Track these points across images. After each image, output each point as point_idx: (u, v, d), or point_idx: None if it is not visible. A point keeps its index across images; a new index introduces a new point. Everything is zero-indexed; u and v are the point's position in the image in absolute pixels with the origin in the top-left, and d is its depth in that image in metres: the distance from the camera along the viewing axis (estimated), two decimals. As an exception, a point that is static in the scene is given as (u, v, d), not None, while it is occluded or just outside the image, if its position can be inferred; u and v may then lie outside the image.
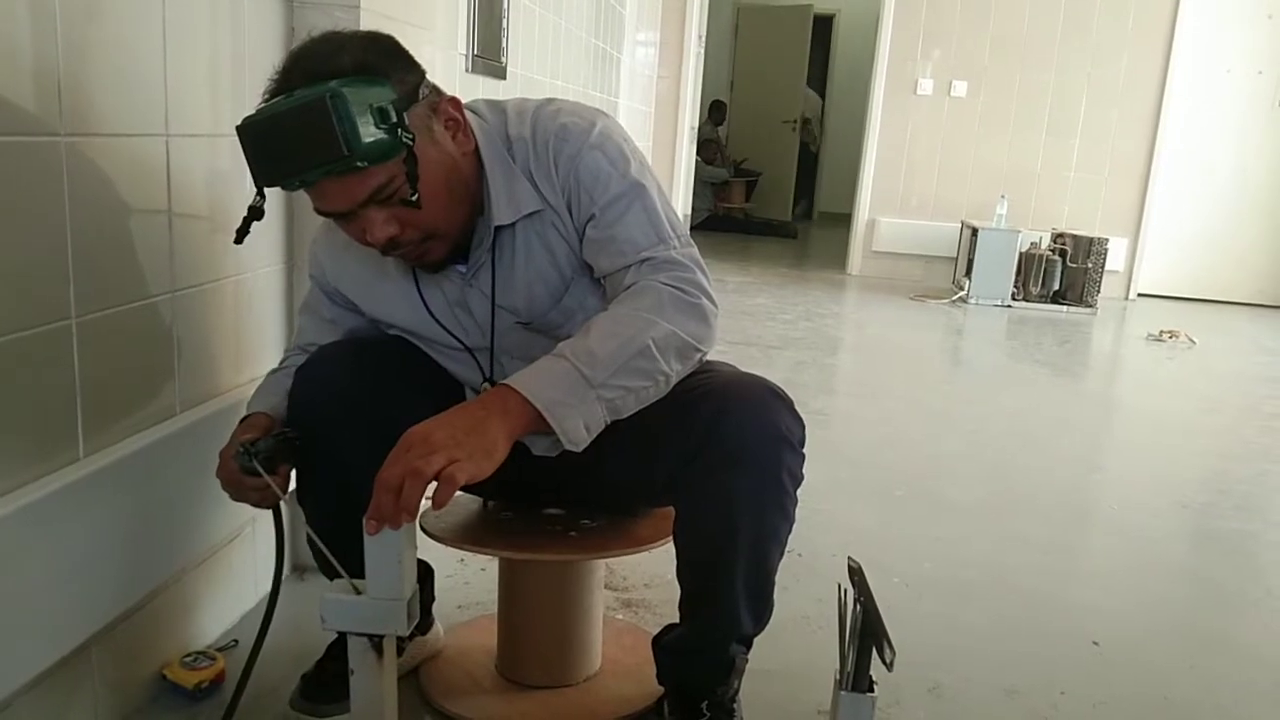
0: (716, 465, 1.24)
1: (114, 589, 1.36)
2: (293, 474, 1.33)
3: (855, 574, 1.15)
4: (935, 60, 6.21)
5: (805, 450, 1.27)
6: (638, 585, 1.97)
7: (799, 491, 1.28)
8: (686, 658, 1.39)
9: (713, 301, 1.23)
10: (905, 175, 6.38)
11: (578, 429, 1.11)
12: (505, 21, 2.84)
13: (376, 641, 1.09)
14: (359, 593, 1.08)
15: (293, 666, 1.56)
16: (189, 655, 1.52)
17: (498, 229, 1.29)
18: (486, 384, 1.39)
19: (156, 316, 1.45)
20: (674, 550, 1.36)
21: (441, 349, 1.41)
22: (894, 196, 6.42)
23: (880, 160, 6.41)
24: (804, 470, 1.27)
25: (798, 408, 1.27)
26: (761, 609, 1.33)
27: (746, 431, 1.23)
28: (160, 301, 1.46)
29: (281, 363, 1.46)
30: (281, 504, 1.28)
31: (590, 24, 4.08)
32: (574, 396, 1.10)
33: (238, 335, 1.68)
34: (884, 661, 1.04)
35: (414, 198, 1.17)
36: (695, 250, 1.28)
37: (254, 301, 1.73)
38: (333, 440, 1.32)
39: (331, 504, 1.35)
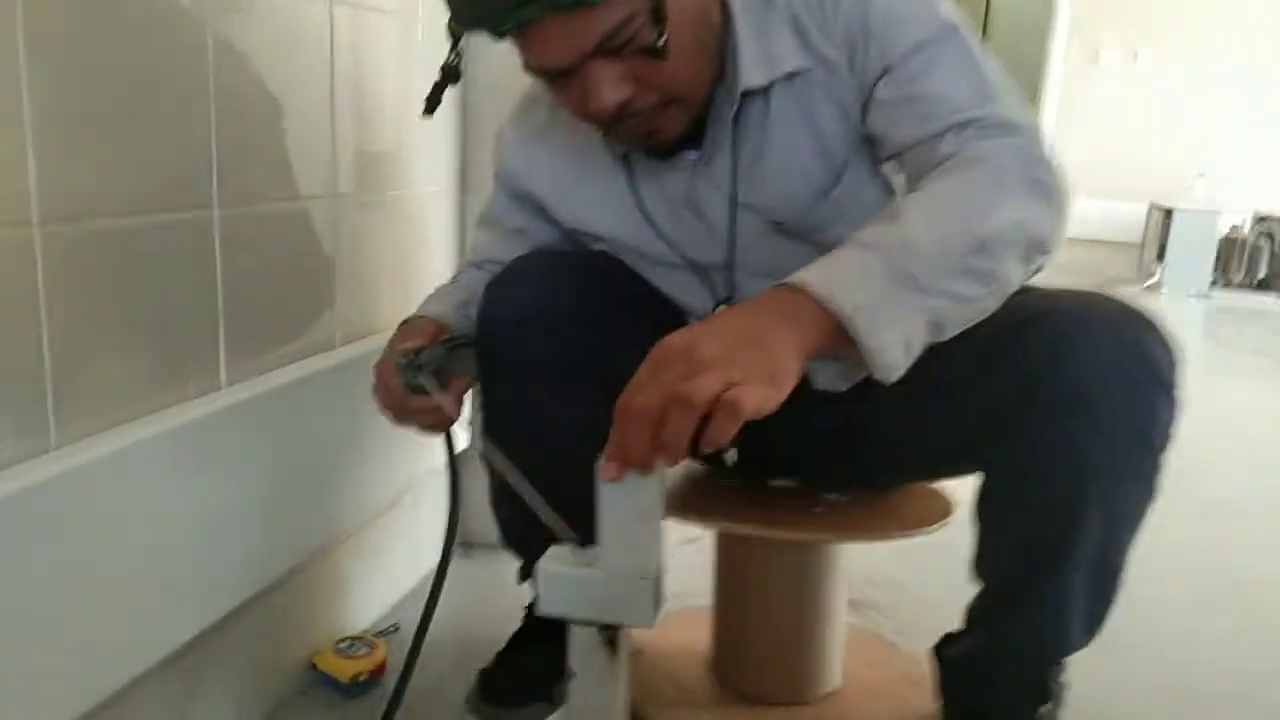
0: (1056, 416, 0.89)
1: (256, 556, 1.09)
2: (468, 395, 1.05)
3: None
4: (1120, 24, 5.66)
5: (1179, 394, 0.91)
6: (859, 583, 1.63)
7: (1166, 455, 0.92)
8: (987, 677, 1.04)
9: (1063, 184, 0.89)
10: (1084, 152, 5.84)
11: (894, 349, 0.78)
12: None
13: (610, 635, 0.79)
14: (588, 566, 0.78)
15: (459, 659, 1.29)
16: (343, 641, 1.26)
17: (744, 96, 0.97)
18: (723, 306, 1.07)
19: (311, 224, 1.19)
20: (975, 533, 1.02)
21: (661, 267, 1.10)
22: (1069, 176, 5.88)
23: (1055, 137, 5.88)
24: (1179, 421, 0.91)
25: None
26: (1100, 615, 0.98)
27: (1103, 368, 0.88)
28: (316, 204, 1.19)
29: (453, 279, 1.18)
30: (456, 428, 1.01)
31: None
32: (891, 302, 0.77)
33: (403, 261, 1.41)
34: None
35: (659, 43, 0.87)
36: (1032, 115, 0.93)
37: (421, 225, 1.46)
38: (532, 376, 1.03)
39: (522, 458, 1.06)
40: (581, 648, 0.79)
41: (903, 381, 1.04)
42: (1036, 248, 0.85)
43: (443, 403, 0.95)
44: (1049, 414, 0.90)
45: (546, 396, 1.03)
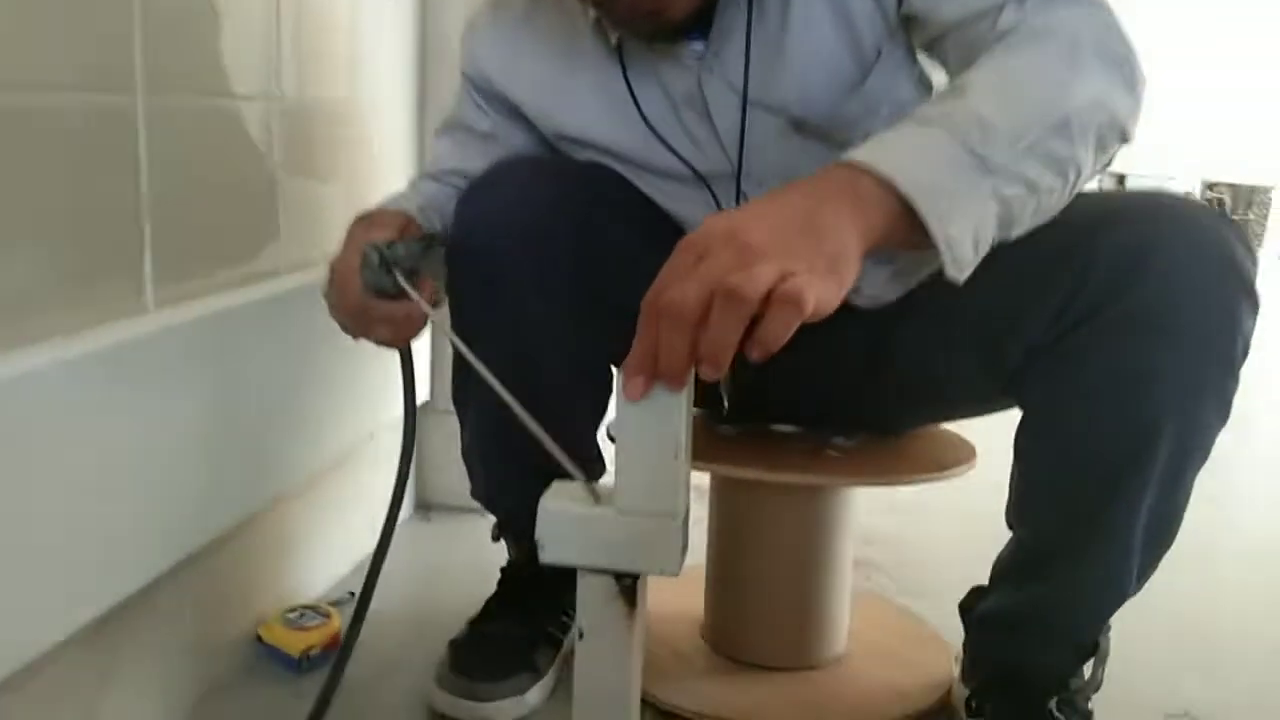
0: (1131, 331, 0.78)
1: (188, 513, 0.94)
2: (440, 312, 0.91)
3: None
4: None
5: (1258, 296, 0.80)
6: (855, 542, 1.52)
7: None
8: (1028, 634, 0.93)
9: (1140, 61, 0.77)
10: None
11: (965, 241, 0.65)
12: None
13: (628, 585, 0.65)
14: (600, 504, 0.64)
15: (419, 630, 1.15)
16: (293, 610, 1.11)
17: None
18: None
19: (248, 127, 1.03)
20: (1018, 475, 0.91)
21: (658, 177, 0.96)
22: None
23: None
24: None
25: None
26: (1157, 557, 0.87)
27: (1189, 274, 0.77)
28: (254, 106, 1.03)
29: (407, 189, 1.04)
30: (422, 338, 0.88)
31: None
32: (962, 184, 0.65)
33: (354, 181, 1.25)
34: None
35: None
36: None
37: (375, 142, 1.30)
38: (517, 290, 0.89)
39: (508, 386, 0.93)
40: (593, 602, 0.66)
41: (939, 295, 0.92)
42: (1117, 133, 0.73)
43: (421, 304, 0.80)
44: (1122, 328, 0.78)
45: (533, 312, 0.89)
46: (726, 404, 1.00)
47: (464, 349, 0.75)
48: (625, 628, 0.66)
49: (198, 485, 0.93)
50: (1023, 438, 0.89)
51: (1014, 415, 0.90)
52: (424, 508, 1.47)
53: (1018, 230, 0.70)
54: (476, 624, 1.07)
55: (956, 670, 1.09)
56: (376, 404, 1.26)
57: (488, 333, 0.91)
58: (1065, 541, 0.87)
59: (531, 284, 0.88)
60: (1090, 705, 0.93)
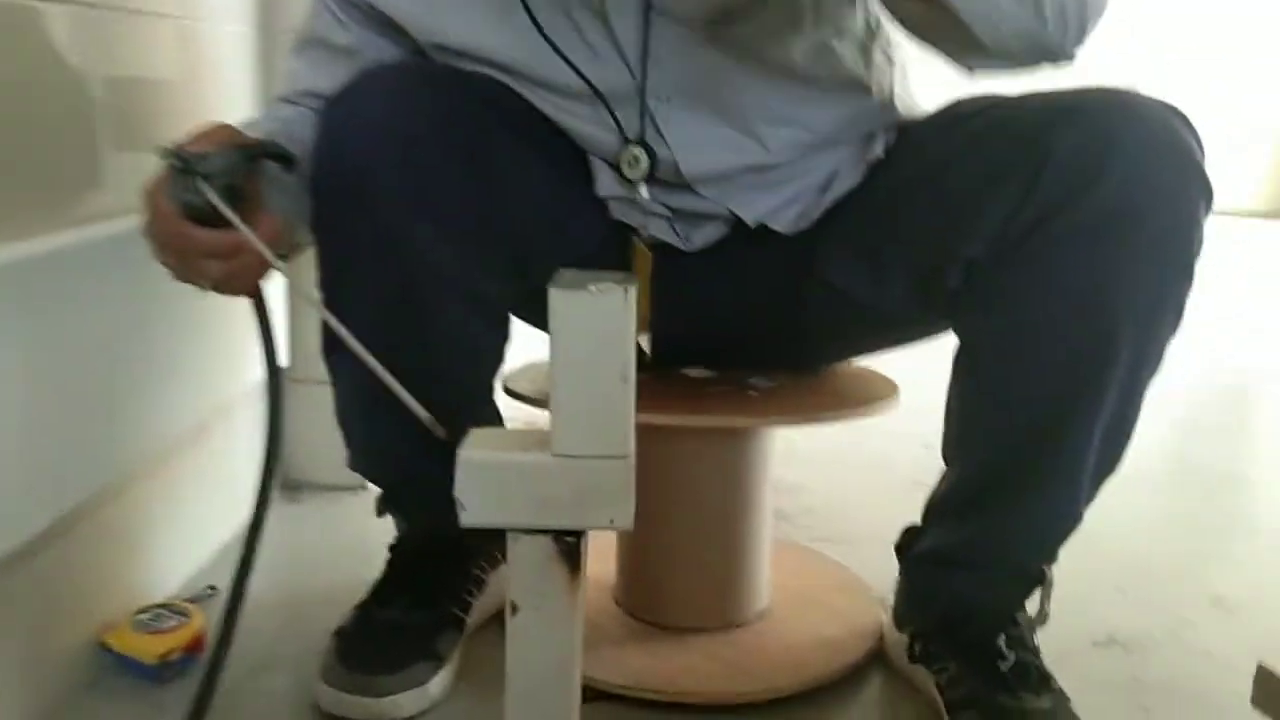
0: (1089, 235, 0.72)
1: (9, 500, 0.78)
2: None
3: None
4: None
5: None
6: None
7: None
8: (973, 571, 0.87)
9: None
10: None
11: None
12: None
13: (568, 546, 0.55)
14: (531, 449, 0.53)
15: (293, 622, 1.02)
16: (145, 611, 0.95)
17: None
18: (634, 148, 0.84)
19: (58, 36, 0.86)
20: (957, 406, 0.85)
21: (554, 94, 0.85)
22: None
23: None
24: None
25: None
26: (1107, 475, 0.82)
27: (1141, 176, 0.71)
28: (62, 8, 0.87)
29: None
30: (273, 286, 0.74)
31: None
32: None
33: (193, 113, 1.09)
34: None
35: None
36: None
37: (215, 69, 1.14)
38: (393, 218, 0.77)
39: (388, 328, 0.81)
40: (528, 568, 0.55)
41: (866, 213, 0.85)
42: (1076, 25, 0.67)
43: (245, 233, 0.66)
44: (1077, 237, 0.72)
45: (415, 240, 0.77)
46: (648, 350, 0.90)
47: (314, 301, 0.62)
48: (567, 597, 0.56)
49: (14, 472, 0.77)
50: (962, 366, 0.83)
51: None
52: (290, 487, 1.32)
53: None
54: (365, 610, 0.94)
55: (886, 617, 1.03)
56: (231, 369, 1.11)
57: (362, 268, 0.78)
58: (1014, 471, 0.81)
59: (411, 206, 0.76)
60: (1037, 643, 0.89)
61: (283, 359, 1.16)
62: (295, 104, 0.88)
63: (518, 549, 0.54)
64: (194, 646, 0.94)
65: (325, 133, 0.75)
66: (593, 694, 0.92)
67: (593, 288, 0.50)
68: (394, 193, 0.76)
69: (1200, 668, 1.03)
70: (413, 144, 0.75)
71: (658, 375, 0.99)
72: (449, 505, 0.94)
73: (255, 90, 1.24)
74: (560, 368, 0.51)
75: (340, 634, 0.92)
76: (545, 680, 0.57)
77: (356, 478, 1.32)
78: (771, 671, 0.95)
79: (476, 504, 0.53)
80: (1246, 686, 0.75)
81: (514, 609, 0.56)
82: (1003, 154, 0.75)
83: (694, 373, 1.02)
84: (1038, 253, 0.74)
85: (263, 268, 0.71)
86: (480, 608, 0.99)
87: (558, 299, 0.50)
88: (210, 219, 0.67)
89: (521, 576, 0.55)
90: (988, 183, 0.75)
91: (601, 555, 1.08)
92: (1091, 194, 0.71)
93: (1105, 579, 1.20)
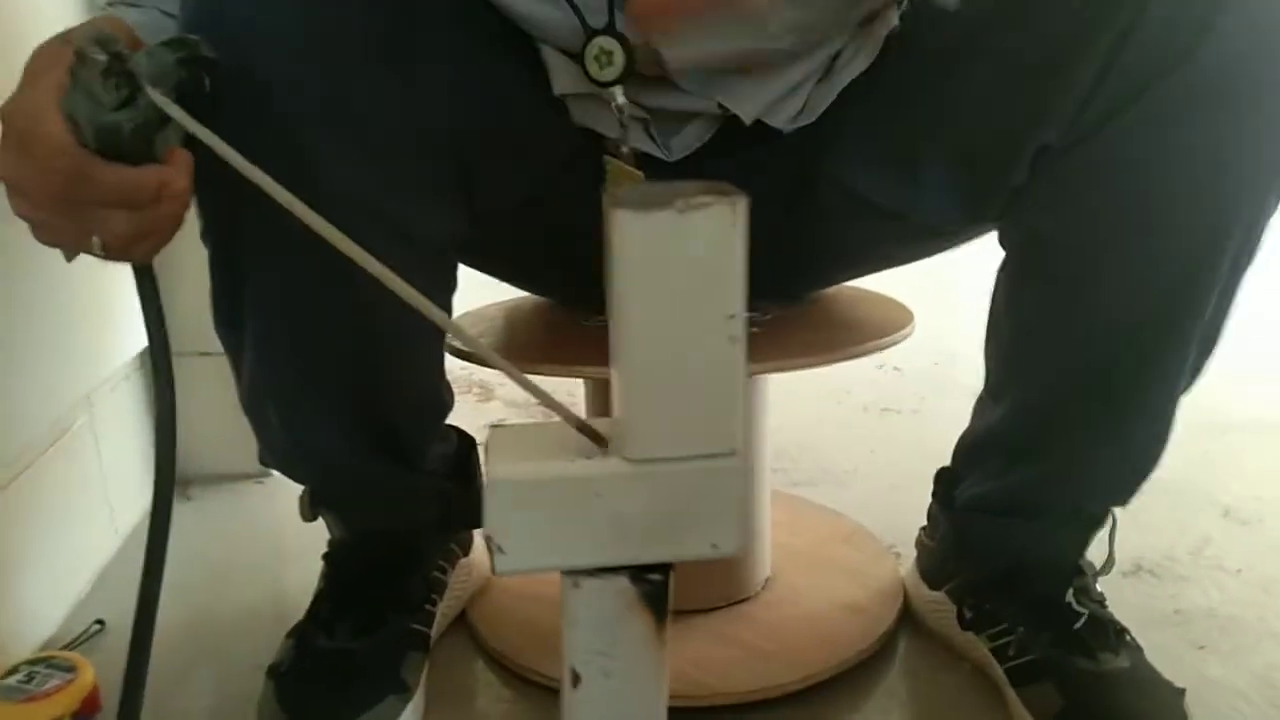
0: (1185, 108, 0.58)
1: None
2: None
3: None
4: None
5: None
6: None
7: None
8: (1036, 519, 0.74)
9: None
10: None
11: None
12: None
13: (655, 584, 0.38)
14: (590, 454, 0.37)
15: (205, 656, 0.84)
16: (14, 672, 0.74)
17: None
18: (603, 40, 0.66)
19: None
20: (1006, 329, 0.72)
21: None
22: None
23: None
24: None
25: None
26: (1186, 391, 0.70)
27: (1252, 32, 0.57)
28: None
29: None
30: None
31: None
32: None
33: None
34: None
35: None
36: None
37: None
38: (299, 138, 0.57)
39: (297, 286, 0.62)
40: (596, 623, 0.38)
41: (888, 98, 0.69)
42: None
43: (175, 165, 0.47)
44: (1180, 107, 0.59)
45: (326, 164, 0.58)
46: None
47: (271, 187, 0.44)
48: (650, 656, 0.39)
49: None
50: (1022, 275, 0.69)
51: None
52: (180, 483, 1.11)
53: None
54: (304, 638, 0.75)
55: (903, 571, 0.91)
56: (92, 356, 0.88)
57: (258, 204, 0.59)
58: (1099, 396, 0.67)
59: (319, 115, 0.57)
60: (1102, 593, 0.77)
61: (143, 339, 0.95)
62: (137, 5, 0.66)
63: (580, 598, 0.38)
64: (88, 708, 0.74)
65: (203, 25, 0.54)
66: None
67: (680, 204, 0.33)
68: (295, 99, 0.56)
69: (1237, 590, 0.94)
70: (319, 34, 0.56)
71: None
72: (401, 504, 0.77)
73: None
74: (633, 328, 0.34)
75: (277, 672, 0.73)
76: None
77: (256, 464, 1.13)
78: (800, 651, 0.81)
79: (521, 542, 0.36)
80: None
81: (575, 679, 0.39)
82: (1077, 15, 0.60)
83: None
84: (1130, 131, 0.60)
85: (183, 208, 0.51)
86: (443, 615, 0.82)
87: (629, 224, 0.33)
88: (127, 151, 0.47)
89: (586, 634, 0.38)
90: (1061, 48, 0.60)
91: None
92: (1197, 56, 0.57)
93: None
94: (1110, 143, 0.60)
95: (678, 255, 0.33)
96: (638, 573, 0.38)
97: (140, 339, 0.97)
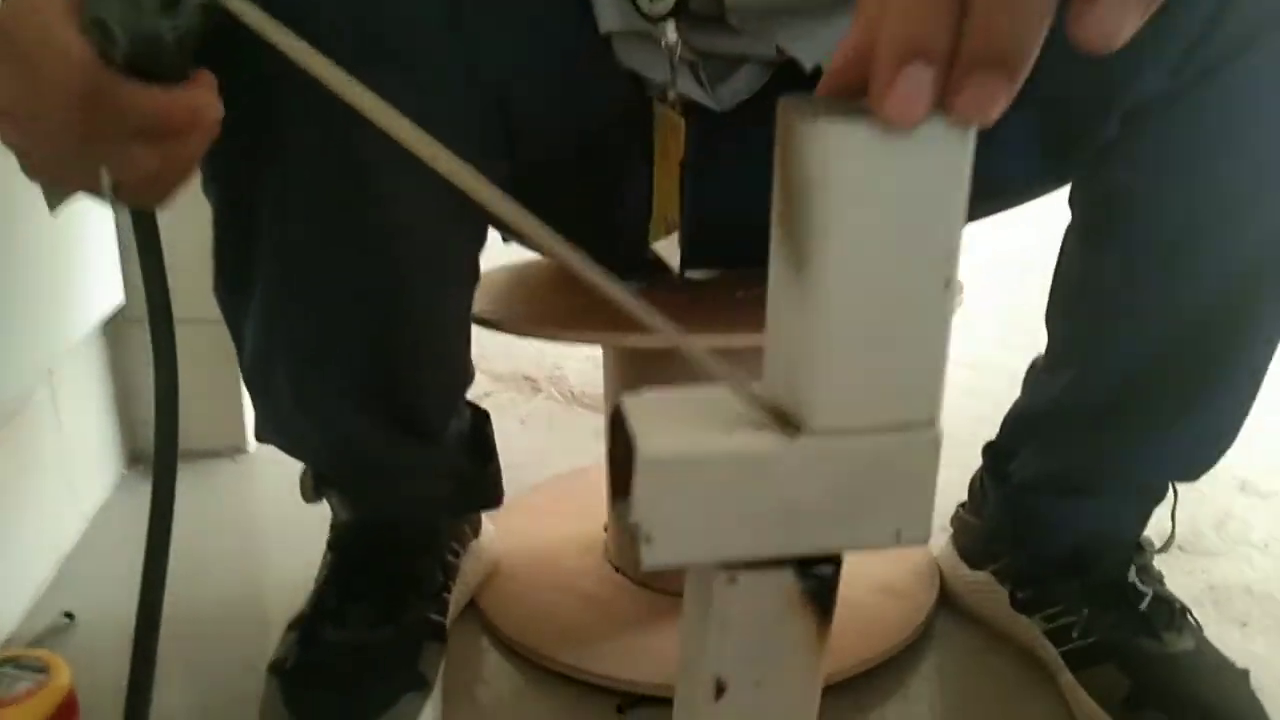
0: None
1: None
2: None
3: None
4: None
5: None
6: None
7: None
8: (1101, 497, 0.70)
9: None
10: None
11: None
12: None
13: (823, 578, 0.32)
14: (761, 425, 0.30)
15: (195, 651, 0.75)
16: (-20, 676, 0.66)
17: None
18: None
19: None
20: (1073, 279, 0.67)
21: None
22: None
23: None
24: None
25: None
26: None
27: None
28: None
29: None
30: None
31: None
32: None
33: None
34: None
35: None
36: None
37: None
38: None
39: (322, 240, 0.55)
40: (751, 623, 0.33)
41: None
42: None
43: (204, 88, 0.40)
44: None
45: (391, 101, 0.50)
46: (680, 248, 0.66)
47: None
48: (808, 662, 0.33)
49: None
50: (1105, 244, 0.64)
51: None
52: (142, 460, 1.02)
53: None
54: (309, 630, 0.68)
55: (938, 549, 0.87)
56: (52, 322, 0.79)
57: (286, 160, 0.52)
58: (1186, 366, 0.63)
59: (359, 59, 0.50)
60: (1162, 574, 0.74)
61: (116, 297, 0.87)
62: None
63: (734, 595, 0.32)
64: (64, 714, 0.65)
65: None
66: (630, 701, 0.71)
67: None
68: (332, 37, 0.49)
69: (1267, 566, 0.92)
70: None
71: (653, 285, 0.75)
72: (416, 482, 0.70)
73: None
74: (836, 268, 0.28)
75: (281, 669, 0.66)
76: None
77: (231, 438, 1.05)
78: (840, 639, 0.76)
79: (675, 531, 0.30)
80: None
81: (720, 689, 0.33)
82: None
83: (695, 275, 0.79)
84: (1244, 81, 0.55)
85: (205, 143, 0.43)
86: (455, 603, 0.76)
87: (841, 139, 0.26)
88: (165, 67, 0.40)
89: (738, 636, 0.32)
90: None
91: (588, 510, 0.86)
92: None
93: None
94: (1219, 94, 0.56)
95: (899, 180, 0.27)
96: (804, 566, 0.32)
97: (104, 306, 0.88)
